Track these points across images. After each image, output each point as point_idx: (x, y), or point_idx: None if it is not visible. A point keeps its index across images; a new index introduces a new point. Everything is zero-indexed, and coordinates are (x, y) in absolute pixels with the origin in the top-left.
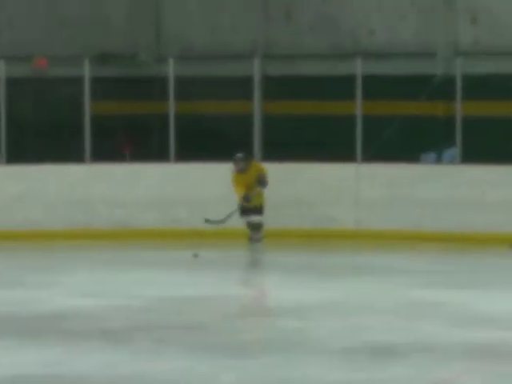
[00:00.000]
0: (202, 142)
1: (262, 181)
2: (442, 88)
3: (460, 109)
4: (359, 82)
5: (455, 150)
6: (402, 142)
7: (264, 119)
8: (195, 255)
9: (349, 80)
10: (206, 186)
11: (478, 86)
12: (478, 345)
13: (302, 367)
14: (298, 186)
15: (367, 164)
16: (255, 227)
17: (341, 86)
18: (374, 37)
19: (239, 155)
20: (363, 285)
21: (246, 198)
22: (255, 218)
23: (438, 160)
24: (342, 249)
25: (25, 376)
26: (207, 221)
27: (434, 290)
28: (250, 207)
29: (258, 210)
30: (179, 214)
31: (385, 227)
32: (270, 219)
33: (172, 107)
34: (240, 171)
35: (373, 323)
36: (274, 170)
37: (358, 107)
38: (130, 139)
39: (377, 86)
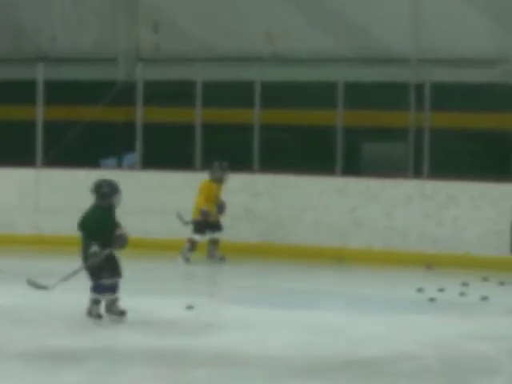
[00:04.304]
0: None
1: (222, 209)
2: (123, 94)
3: (141, 114)
4: (40, 88)
5: (135, 156)
6: (83, 147)
7: None
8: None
9: (31, 85)
10: None
11: (160, 93)
12: (159, 349)
13: None
14: None
15: (47, 169)
16: (216, 243)
17: (22, 91)
18: (56, 42)
19: (225, 163)
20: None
21: (205, 214)
22: (217, 234)
23: (119, 165)
24: (22, 254)
25: None
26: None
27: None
28: (208, 222)
29: (218, 227)
30: None
31: (64, 233)
32: None
33: None
34: (219, 181)
35: (51, 329)
36: None
37: (39, 113)
38: None
39: (58, 92)
